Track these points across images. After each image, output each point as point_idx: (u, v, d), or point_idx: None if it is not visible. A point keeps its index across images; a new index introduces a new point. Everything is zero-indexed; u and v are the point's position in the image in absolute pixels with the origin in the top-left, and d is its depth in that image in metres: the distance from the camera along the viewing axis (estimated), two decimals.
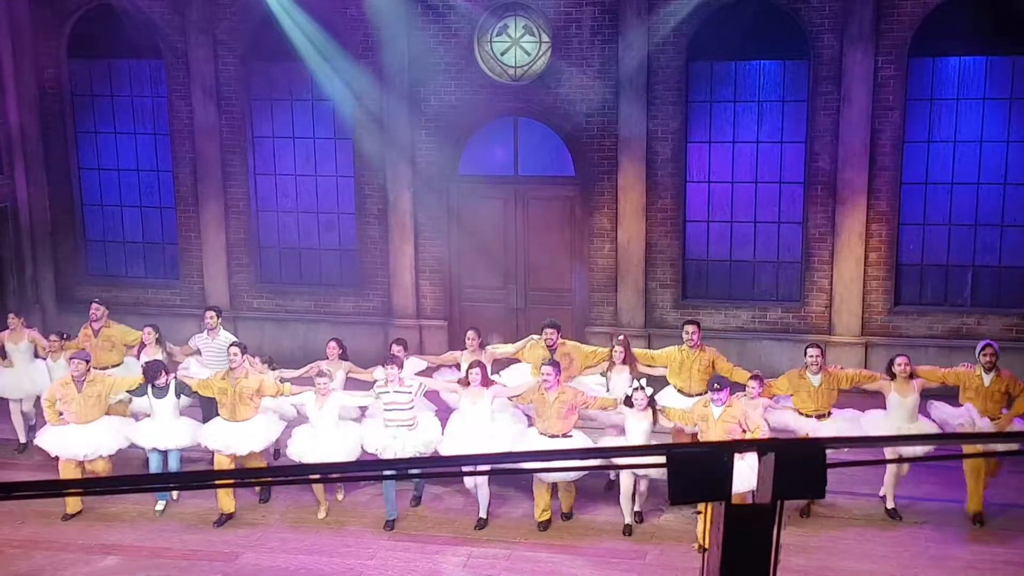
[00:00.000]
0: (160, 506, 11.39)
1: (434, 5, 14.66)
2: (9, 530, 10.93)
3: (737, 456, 3.21)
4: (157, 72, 15.84)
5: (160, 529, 10.98)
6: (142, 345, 12.50)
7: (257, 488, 11.61)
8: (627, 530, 10.79)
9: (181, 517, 11.19)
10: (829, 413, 11.02)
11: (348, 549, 10.53)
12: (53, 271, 16.47)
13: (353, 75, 15.09)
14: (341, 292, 15.79)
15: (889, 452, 10.26)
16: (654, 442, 10.39)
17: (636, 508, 10.93)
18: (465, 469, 9.76)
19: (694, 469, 3.15)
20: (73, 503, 11.26)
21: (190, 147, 15.74)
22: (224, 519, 11.13)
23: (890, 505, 11.06)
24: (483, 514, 11.01)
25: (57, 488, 3.12)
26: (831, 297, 14.40)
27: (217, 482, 3.14)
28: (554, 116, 14.76)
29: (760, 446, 3.24)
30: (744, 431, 10.10)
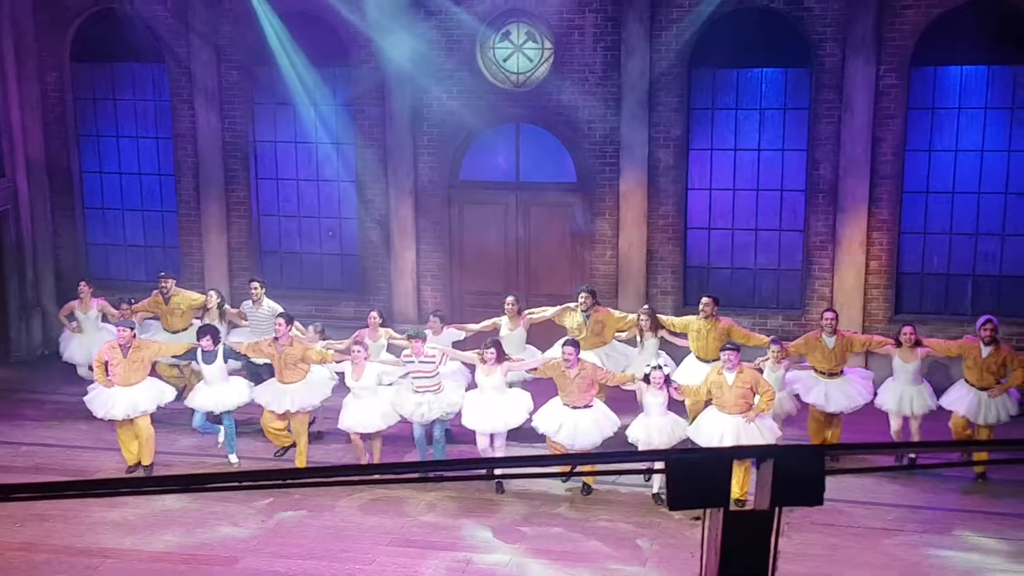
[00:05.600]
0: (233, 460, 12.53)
1: (436, 11, 14.68)
2: (8, 533, 10.92)
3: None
4: (160, 76, 15.88)
5: (159, 533, 10.97)
6: (204, 308, 13.56)
7: (276, 452, 12.66)
8: (657, 498, 11.28)
9: (181, 521, 11.19)
10: (842, 372, 12.03)
11: (347, 554, 10.52)
12: (54, 274, 16.49)
13: (355, 80, 15.13)
14: (342, 297, 15.80)
15: (894, 419, 11.91)
16: (670, 415, 11.28)
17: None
18: (480, 439, 11.67)
19: (693, 475, 3.15)
20: (131, 457, 12.23)
21: (192, 151, 15.77)
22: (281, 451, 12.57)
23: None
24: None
25: (54, 491, 3.12)
26: (832, 305, 14.39)
27: (217, 485, 3.13)
28: (556, 122, 14.78)
29: (759, 452, 3.24)
30: (755, 394, 10.95)
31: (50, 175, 16.30)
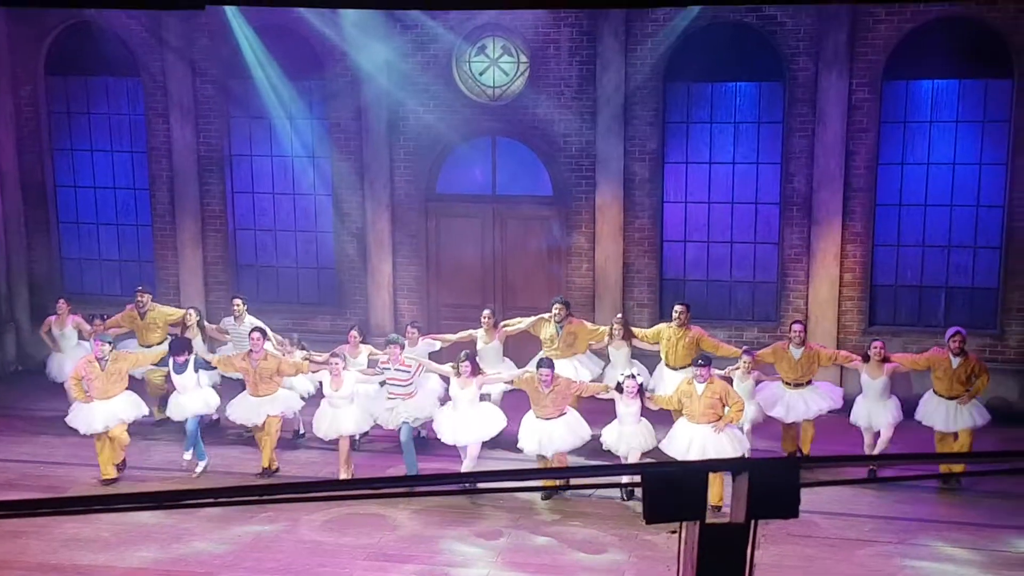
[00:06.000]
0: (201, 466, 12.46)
1: (412, 25, 14.72)
2: None
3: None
4: (134, 90, 15.82)
5: (133, 549, 10.89)
6: (184, 326, 13.59)
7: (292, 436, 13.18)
8: (626, 494, 11.48)
9: (155, 537, 11.11)
10: (809, 382, 12.21)
11: (324, 569, 10.47)
12: (28, 289, 16.37)
13: (331, 93, 15.13)
14: (319, 310, 15.76)
15: (867, 434, 12.06)
16: (643, 423, 11.43)
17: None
18: (462, 453, 11.77)
19: (669, 489, 3.17)
20: (107, 470, 12.19)
21: (167, 165, 15.71)
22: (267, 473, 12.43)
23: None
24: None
25: (27, 508, 3.11)
26: (806, 317, 14.46)
27: (191, 501, 3.13)
28: (532, 136, 14.82)
29: (735, 465, 3.26)
30: (724, 405, 11.07)
31: (24, 189, 16.20)
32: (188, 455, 12.42)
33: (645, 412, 11.55)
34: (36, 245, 16.37)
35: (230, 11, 14.65)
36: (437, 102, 14.90)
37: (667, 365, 12.80)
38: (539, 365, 11.73)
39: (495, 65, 14.90)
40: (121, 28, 15.39)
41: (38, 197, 16.25)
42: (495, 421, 11.98)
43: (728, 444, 10.92)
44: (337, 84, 15.09)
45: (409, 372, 12.01)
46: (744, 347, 12.50)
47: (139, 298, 13.87)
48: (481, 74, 14.94)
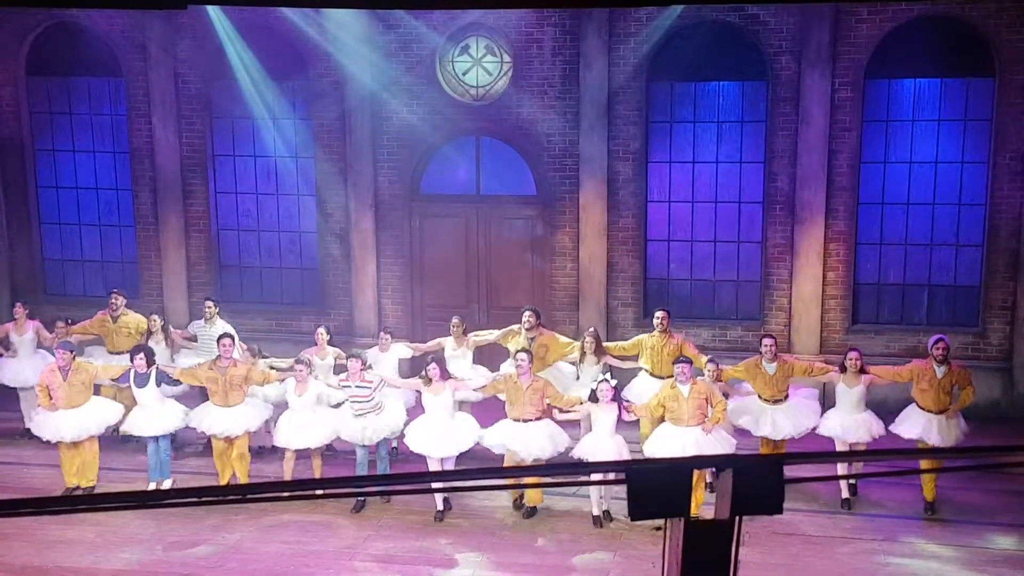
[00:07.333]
0: (167, 484, 12.00)
1: (395, 25, 14.71)
2: None
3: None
4: (116, 90, 15.76)
5: (117, 551, 10.85)
6: (148, 332, 13.27)
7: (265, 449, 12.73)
8: (597, 522, 11.17)
9: (139, 539, 11.08)
10: (786, 397, 11.78)
11: (308, 570, 10.46)
12: (10, 290, 16.28)
13: (315, 93, 15.10)
14: (303, 311, 15.73)
15: (840, 446, 11.46)
16: (619, 435, 11.10)
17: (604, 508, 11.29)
18: (431, 463, 11.35)
19: (654, 486, 3.18)
20: (71, 478, 11.87)
21: (150, 165, 15.66)
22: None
23: (844, 496, 11.64)
24: (440, 506, 11.51)
25: (9, 508, 3.09)
26: (790, 316, 14.53)
27: (174, 501, 3.13)
28: (516, 136, 14.83)
29: (719, 462, 3.27)
30: (710, 406, 10.95)
31: (5, 190, 16.12)
32: (168, 482, 11.90)
33: (620, 427, 11.21)
34: (18, 246, 16.29)
35: (213, 11, 14.61)
36: (421, 102, 14.89)
37: (652, 375, 12.45)
38: (518, 351, 11.45)
39: (478, 65, 14.90)
40: (102, 28, 15.33)
41: (20, 198, 16.17)
42: (469, 432, 11.56)
43: (718, 446, 10.83)
44: (320, 84, 15.06)
45: (369, 388, 11.55)
46: (709, 356, 12.12)
47: (113, 300, 13.54)
48: (465, 74, 14.94)
